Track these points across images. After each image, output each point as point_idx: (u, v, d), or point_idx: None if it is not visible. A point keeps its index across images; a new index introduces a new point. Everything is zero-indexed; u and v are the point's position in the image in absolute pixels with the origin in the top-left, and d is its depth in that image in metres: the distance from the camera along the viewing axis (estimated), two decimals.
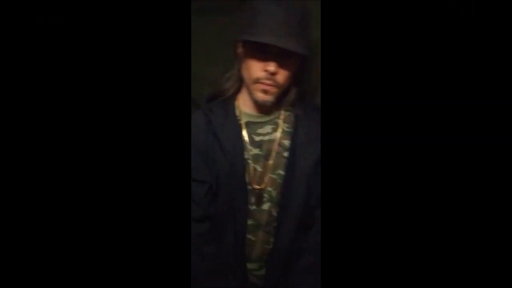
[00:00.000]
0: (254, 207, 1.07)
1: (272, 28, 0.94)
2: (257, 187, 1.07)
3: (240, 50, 1.05)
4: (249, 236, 1.08)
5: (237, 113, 1.09)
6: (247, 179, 1.06)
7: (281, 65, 0.99)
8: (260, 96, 1.02)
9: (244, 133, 1.07)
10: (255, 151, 1.08)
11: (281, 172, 1.07)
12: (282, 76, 1.00)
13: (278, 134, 1.08)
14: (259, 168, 1.07)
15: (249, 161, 1.06)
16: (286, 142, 1.09)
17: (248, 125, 1.08)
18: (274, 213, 1.08)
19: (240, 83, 1.10)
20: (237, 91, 1.11)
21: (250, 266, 1.11)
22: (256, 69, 1.00)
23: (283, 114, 1.11)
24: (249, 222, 1.07)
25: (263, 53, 0.98)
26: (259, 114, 1.10)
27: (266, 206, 1.07)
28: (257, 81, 1.01)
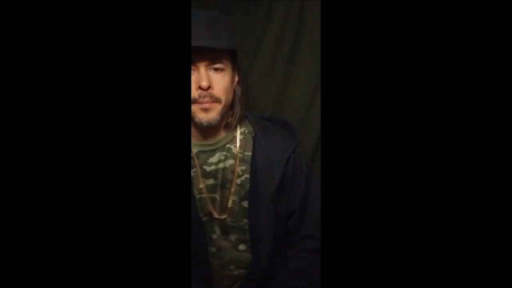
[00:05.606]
0: (219, 236, 1.03)
1: (196, 33, 0.88)
2: (220, 217, 1.02)
3: None
4: (213, 261, 1.03)
5: None
6: (204, 210, 1.01)
7: (213, 78, 0.94)
8: (202, 116, 0.94)
9: (195, 164, 1.00)
10: (209, 182, 1.01)
11: (242, 202, 1.01)
12: (218, 90, 0.95)
13: (230, 161, 1.01)
14: (218, 197, 1.02)
15: (202, 194, 1.01)
16: (242, 169, 1.02)
17: (198, 155, 1.01)
18: (242, 247, 1.03)
19: None
20: None
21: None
22: (191, 90, 0.93)
23: (236, 137, 1.03)
24: (212, 250, 1.02)
25: (193, 68, 0.93)
26: (207, 142, 1.01)
27: (233, 237, 1.03)
28: (194, 101, 0.93)
